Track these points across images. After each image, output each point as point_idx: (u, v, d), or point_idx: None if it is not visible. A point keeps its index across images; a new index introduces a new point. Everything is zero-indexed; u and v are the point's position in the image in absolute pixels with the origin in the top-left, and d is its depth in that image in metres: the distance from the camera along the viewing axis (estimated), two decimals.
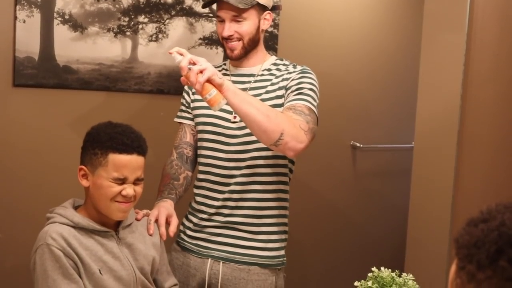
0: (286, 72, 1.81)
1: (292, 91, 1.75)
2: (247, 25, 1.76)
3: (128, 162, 1.45)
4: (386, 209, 3.20)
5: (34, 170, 2.13)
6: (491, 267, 0.64)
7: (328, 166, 2.96)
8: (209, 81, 1.53)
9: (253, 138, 1.74)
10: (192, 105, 1.87)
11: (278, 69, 1.83)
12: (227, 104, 1.57)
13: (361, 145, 3.01)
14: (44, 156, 2.13)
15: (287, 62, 1.86)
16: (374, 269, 1.36)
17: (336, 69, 2.90)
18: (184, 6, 2.34)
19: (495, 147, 2.34)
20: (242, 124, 1.73)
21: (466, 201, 2.14)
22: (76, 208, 1.53)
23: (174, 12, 2.31)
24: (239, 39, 1.76)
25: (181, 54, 1.56)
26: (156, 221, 1.63)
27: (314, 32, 2.81)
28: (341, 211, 3.06)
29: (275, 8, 1.88)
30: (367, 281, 1.32)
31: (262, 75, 1.82)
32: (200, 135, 1.85)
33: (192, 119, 1.88)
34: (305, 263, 2.92)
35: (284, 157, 1.80)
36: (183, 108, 1.91)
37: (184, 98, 1.91)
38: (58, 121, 2.14)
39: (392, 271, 1.37)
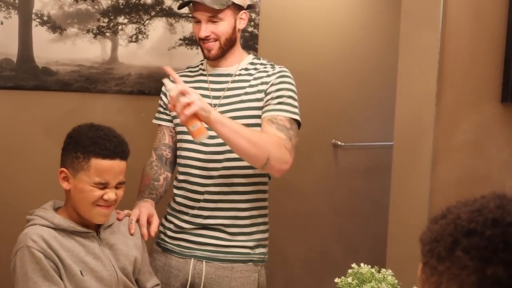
0: (265, 73, 1.80)
1: (272, 98, 1.75)
2: (224, 26, 1.75)
3: (110, 167, 1.45)
4: (367, 206, 3.23)
5: (14, 172, 2.12)
6: (449, 258, 0.67)
7: (310, 165, 2.98)
8: (195, 114, 1.54)
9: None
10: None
11: (255, 69, 1.83)
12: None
13: (343, 144, 3.04)
14: (24, 158, 2.12)
15: (264, 61, 1.86)
16: (353, 265, 1.37)
17: (317, 69, 2.92)
18: (164, 6, 2.34)
19: (470, 144, 2.39)
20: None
21: (443, 197, 2.18)
22: (56, 209, 1.53)
23: (153, 13, 2.31)
24: (216, 40, 1.76)
25: (174, 80, 1.58)
26: (138, 221, 1.64)
27: (294, 32, 2.83)
28: (322, 208, 3.08)
29: (250, 7, 1.88)
30: (347, 277, 1.34)
31: (239, 75, 1.82)
32: (179, 136, 1.85)
33: (170, 121, 1.88)
34: (287, 260, 2.94)
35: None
36: (161, 109, 1.90)
37: (161, 100, 1.91)
38: (37, 123, 2.13)
39: (372, 267, 1.39)
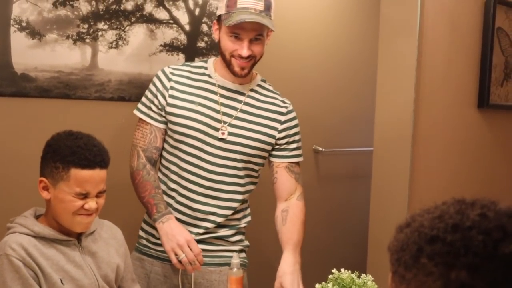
0: (277, 108, 1.84)
1: (289, 143, 1.85)
2: (262, 45, 1.75)
3: (90, 177, 1.43)
4: (348, 212, 3.25)
5: None
6: (415, 266, 0.68)
7: None
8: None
9: (232, 163, 1.77)
10: (168, 109, 1.78)
11: (264, 95, 1.85)
12: None
13: (323, 149, 3.06)
14: (2, 165, 2.09)
15: (270, 88, 1.89)
16: (334, 271, 1.39)
17: (297, 75, 2.94)
18: (144, 13, 2.33)
19: (446, 149, 2.42)
20: (227, 146, 1.74)
21: (421, 201, 2.21)
22: (38, 217, 1.51)
23: (134, 19, 2.31)
24: (253, 59, 1.74)
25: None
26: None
27: (274, 40, 2.83)
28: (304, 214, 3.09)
29: None
30: (328, 282, 1.35)
31: (250, 97, 1.82)
32: (176, 144, 1.78)
33: (164, 123, 1.79)
34: (269, 265, 2.94)
35: (255, 176, 1.87)
36: (154, 108, 1.80)
37: (156, 97, 1.80)
38: (16, 130, 2.11)
39: (352, 273, 1.40)
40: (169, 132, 1.79)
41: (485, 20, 2.45)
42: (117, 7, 2.26)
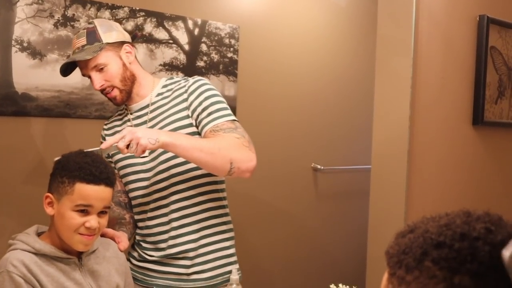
0: (182, 90, 1.75)
1: (200, 113, 1.70)
2: (111, 69, 1.71)
3: (94, 193, 1.45)
4: (347, 228, 3.26)
5: None
6: (418, 268, 0.71)
7: (290, 188, 3.01)
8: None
9: (169, 170, 1.70)
10: (111, 155, 1.81)
11: (169, 89, 1.78)
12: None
13: (322, 167, 3.08)
14: (4, 184, 2.11)
15: (177, 79, 1.81)
16: (332, 286, 1.40)
17: (295, 93, 2.98)
18: (144, 33, 2.37)
19: (441, 165, 2.44)
20: (153, 156, 1.72)
21: (417, 216, 2.22)
22: (40, 234, 1.52)
23: (134, 39, 2.34)
24: (112, 86, 1.72)
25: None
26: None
27: (273, 58, 2.88)
28: (303, 231, 3.10)
29: (135, 37, 1.84)
30: None
31: (155, 102, 1.77)
32: (124, 179, 1.80)
33: (115, 167, 1.82)
34: (268, 283, 2.94)
35: (207, 175, 1.73)
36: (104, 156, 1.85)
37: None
38: (17, 149, 2.13)
39: (351, 287, 1.41)
40: None
41: (478, 39, 2.49)
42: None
